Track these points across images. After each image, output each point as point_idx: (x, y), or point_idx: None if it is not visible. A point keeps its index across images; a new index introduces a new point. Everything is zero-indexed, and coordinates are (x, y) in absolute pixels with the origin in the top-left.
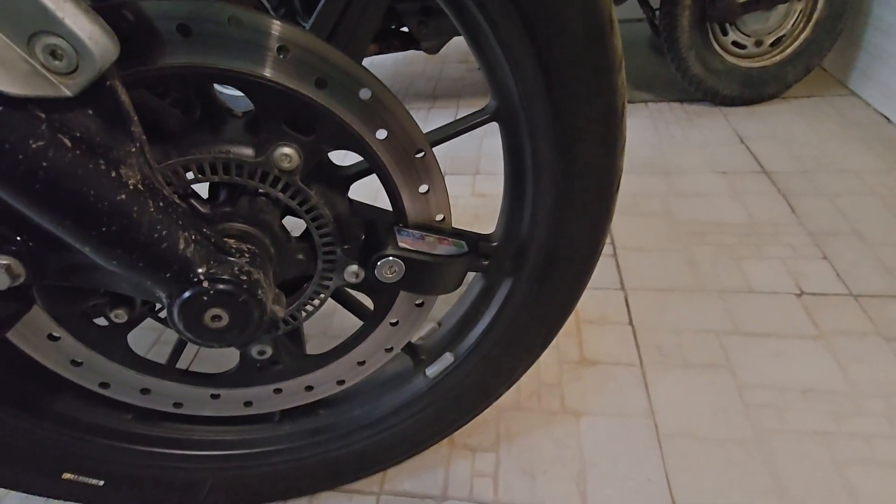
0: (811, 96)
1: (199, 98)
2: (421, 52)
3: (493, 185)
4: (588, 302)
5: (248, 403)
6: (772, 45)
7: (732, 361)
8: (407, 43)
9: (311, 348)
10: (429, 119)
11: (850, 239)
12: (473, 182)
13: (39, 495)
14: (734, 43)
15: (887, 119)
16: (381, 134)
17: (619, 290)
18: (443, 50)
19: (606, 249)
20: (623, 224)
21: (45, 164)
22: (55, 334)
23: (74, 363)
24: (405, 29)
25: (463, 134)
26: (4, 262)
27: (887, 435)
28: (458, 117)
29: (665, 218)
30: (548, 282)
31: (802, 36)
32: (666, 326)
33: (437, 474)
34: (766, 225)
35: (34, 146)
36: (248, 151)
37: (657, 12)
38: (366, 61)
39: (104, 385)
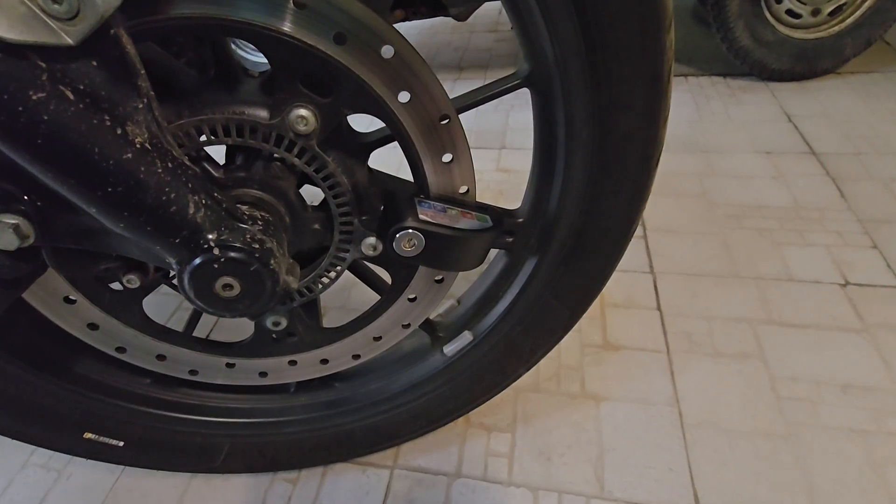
0: (870, 72)
1: (214, 56)
2: (448, 20)
3: (519, 161)
4: (614, 284)
5: (262, 374)
6: (830, 14)
7: (766, 352)
8: (434, 9)
9: (329, 322)
10: (454, 91)
11: None
12: (499, 157)
13: (63, 452)
14: (788, 12)
15: None
16: (404, 97)
17: (648, 273)
18: (471, 18)
19: (636, 231)
20: (655, 204)
21: (46, 117)
22: (71, 297)
23: (91, 326)
24: None
25: (492, 100)
26: (12, 221)
27: None
28: None
29: (701, 199)
30: (575, 262)
31: (866, 4)
32: (696, 313)
33: (452, 452)
34: (811, 210)
35: (35, 97)
36: (262, 113)
37: None
38: None
39: (121, 349)
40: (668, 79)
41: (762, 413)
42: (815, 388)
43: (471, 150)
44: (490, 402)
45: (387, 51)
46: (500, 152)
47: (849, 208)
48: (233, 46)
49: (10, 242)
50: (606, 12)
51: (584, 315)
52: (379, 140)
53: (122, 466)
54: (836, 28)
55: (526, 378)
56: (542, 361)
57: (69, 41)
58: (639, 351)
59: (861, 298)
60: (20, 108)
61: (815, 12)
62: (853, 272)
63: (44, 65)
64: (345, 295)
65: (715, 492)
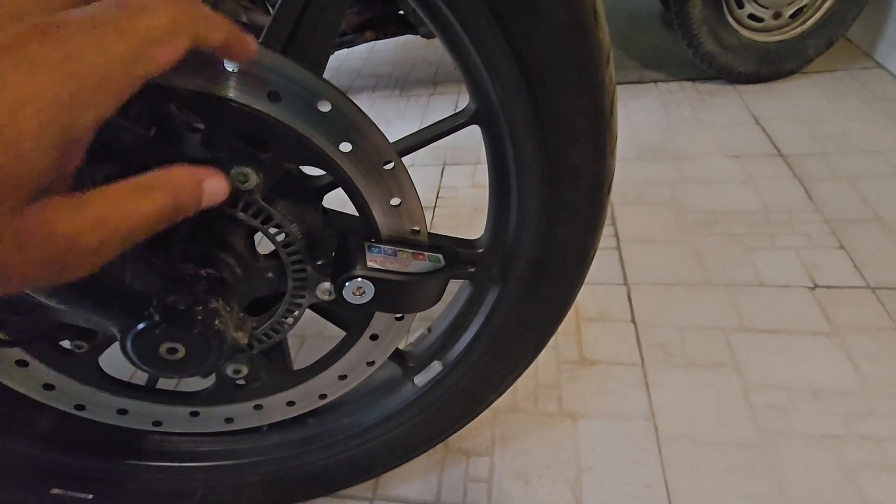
0: (834, 70)
1: (155, 113)
2: (420, 36)
3: None
4: (589, 298)
5: (228, 420)
6: (791, 16)
7: (739, 360)
8: (403, 27)
9: (308, 350)
10: (430, 106)
11: (870, 226)
12: (474, 172)
13: None
14: (750, 16)
15: None
16: (346, 147)
17: (622, 285)
18: None
19: (609, 242)
20: (628, 214)
21: None
22: (24, 360)
23: (47, 387)
24: (402, 12)
25: (439, 140)
26: None
27: None
28: (458, 104)
29: (672, 207)
30: (537, 289)
31: (826, 5)
32: (670, 323)
33: (431, 480)
34: (780, 212)
35: None
36: None
37: None
38: (364, 47)
39: (80, 407)
40: (612, 111)
41: (736, 423)
42: (787, 394)
43: (446, 167)
44: (468, 426)
45: (323, 105)
46: (476, 167)
47: (816, 209)
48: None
49: None
50: (542, 54)
51: (560, 331)
52: (330, 184)
53: None
54: (799, 30)
55: (504, 398)
56: (520, 380)
57: None
58: (614, 365)
59: (829, 301)
60: None
61: (777, 15)
62: (821, 274)
63: None
64: (321, 323)
65: None
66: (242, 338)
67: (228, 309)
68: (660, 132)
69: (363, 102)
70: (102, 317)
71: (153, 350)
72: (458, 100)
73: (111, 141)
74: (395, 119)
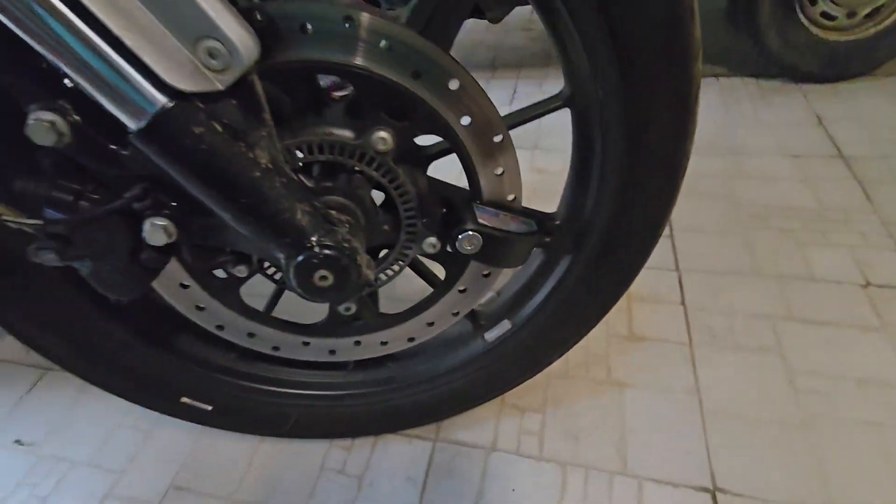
0: None
1: (307, 85)
2: (481, 20)
3: (552, 161)
4: (641, 280)
5: (332, 352)
6: (867, 16)
7: (785, 347)
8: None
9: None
10: (488, 89)
11: None
12: (532, 157)
13: (164, 413)
14: (823, 14)
15: None
16: (466, 120)
17: (674, 270)
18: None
19: (663, 231)
20: (682, 204)
21: (202, 146)
22: (185, 283)
23: (198, 307)
24: None
25: (536, 119)
26: (162, 223)
27: None
28: (517, 88)
29: (727, 200)
30: (605, 262)
31: None
32: (718, 309)
33: (488, 428)
34: (836, 211)
35: (196, 131)
36: (348, 134)
37: None
38: None
39: (220, 327)
40: (695, 100)
41: (779, 404)
42: (831, 382)
43: (518, 165)
44: (523, 386)
45: (454, 83)
46: (534, 152)
47: (874, 211)
48: None
49: (160, 239)
50: (640, 45)
51: (612, 307)
52: (438, 153)
53: (198, 429)
54: (872, 30)
55: (556, 364)
56: (571, 350)
57: (220, 87)
58: (662, 342)
59: (881, 299)
60: (186, 139)
61: (851, 14)
62: (875, 273)
63: (202, 106)
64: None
65: (731, 474)
66: (370, 275)
67: (363, 250)
68: (718, 127)
69: None
70: (277, 245)
71: (308, 276)
72: (517, 85)
73: (275, 110)
74: None
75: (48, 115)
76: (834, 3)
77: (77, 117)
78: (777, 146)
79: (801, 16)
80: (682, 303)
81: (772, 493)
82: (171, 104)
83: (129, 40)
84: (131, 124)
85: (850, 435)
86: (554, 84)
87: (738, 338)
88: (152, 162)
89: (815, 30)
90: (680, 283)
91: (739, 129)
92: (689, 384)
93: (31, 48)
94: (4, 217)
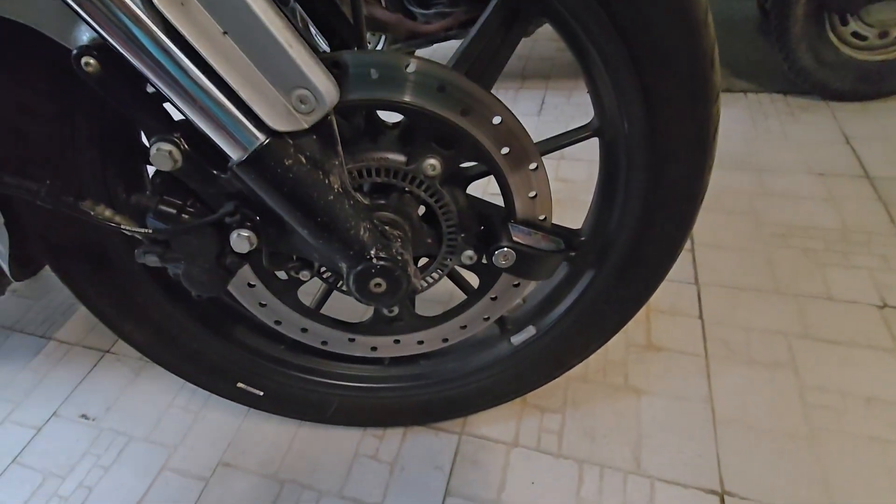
0: None
1: (366, 115)
2: None
3: (577, 172)
4: (661, 292)
5: (373, 348)
6: None
7: (798, 363)
8: None
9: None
10: (517, 100)
11: None
12: (557, 167)
13: (221, 396)
14: (854, 34)
15: None
16: (505, 150)
17: (693, 284)
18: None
19: (685, 245)
20: (704, 219)
21: (290, 175)
22: (252, 283)
23: (261, 304)
24: None
25: (568, 146)
26: (247, 234)
27: None
28: (545, 100)
29: (749, 216)
30: (626, 276)
31: None
32: (735, 323)
33: (510, 425)
34: (859, 233)
35: (287, 163)
36: (400, 158)
37: None
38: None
39: (278, 322)
40: (714, 137)
41: (788, 417)
42: (840, 398)
43: (550, 190)
44: (544, 388)
45: (496, 119)
46: (559, 162)
47: None
48: None
49: (244, 247)
50: (665, 91)
51: (631, 319)
52: (477, 174)
53: (245, 411)
54: None
55: (576, 369)
56: (591, 356)
57: (305, 126)
58: (679, 353)
59: None
60: (278, 169)
61: (883, 34)
62: (892, 295)
63: (291, 142)
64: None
65: (738, 479)
66: (418, 284)
67: (412, 261)
68: (744, 143)
69: None
70: (342, 256)
71: (365, 283)
72: (545, 95)
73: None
74: None
75: (167, 146)
76: (865, 23)
77: (188, 147)
78: (803, 164)
79: (831, 35)
80: (700, 316)
81: (777, 498)
82: (267, 141)
83: (239, 88)
84: (234, 156)
85: (855, 449)
86: (582, 93)
87: (753, 352)
88: (246, 185)
89: (845, 49)
90: (699, 296)
91: (766, 146)
92: (702, 393)
93: (157, 93)
94: (123, 226)
